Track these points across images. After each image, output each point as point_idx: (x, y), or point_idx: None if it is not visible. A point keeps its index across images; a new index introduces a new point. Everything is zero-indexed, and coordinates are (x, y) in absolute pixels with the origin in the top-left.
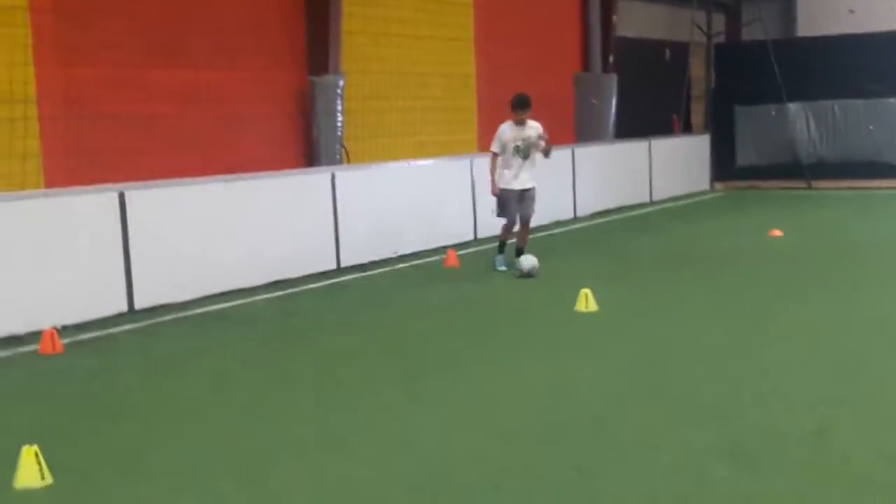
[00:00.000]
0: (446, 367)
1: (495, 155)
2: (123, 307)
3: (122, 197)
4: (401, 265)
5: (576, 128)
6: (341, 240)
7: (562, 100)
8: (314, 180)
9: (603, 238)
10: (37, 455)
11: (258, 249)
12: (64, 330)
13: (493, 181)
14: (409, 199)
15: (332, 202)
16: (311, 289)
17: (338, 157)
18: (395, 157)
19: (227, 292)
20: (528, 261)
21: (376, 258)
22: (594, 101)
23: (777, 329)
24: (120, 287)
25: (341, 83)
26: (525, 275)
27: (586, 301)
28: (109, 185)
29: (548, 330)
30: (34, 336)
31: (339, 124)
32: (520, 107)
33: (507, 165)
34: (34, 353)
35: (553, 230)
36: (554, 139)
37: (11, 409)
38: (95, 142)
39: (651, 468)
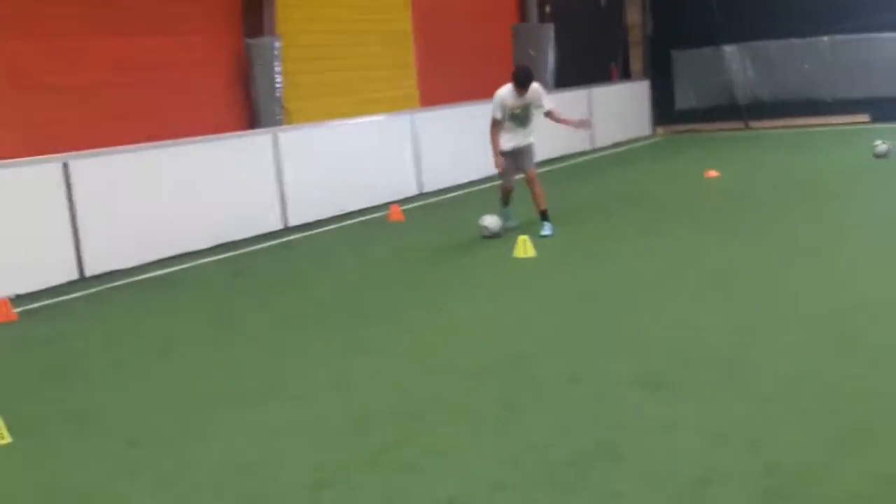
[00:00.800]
0: (385, 315)
1: (496, 122)
2: (74, 275)
3: (66, 167)
4: (347, 222)
5: None
6: (287, 200)
7: (500, 51)
8: (256, 142)
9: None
10: None
11: (204, 213)
12: (17, 299)
13: (496, 152)
14: (352, 157)
15: (276, 163)
16: (259, 249)
17: (278, 118)
18: (337, 116)
19: (175, 256)
20: (495, 220)
21: (322, 217)
22: (532, 51)
23: (699, 264)
24: (70, 255)
25: (277, 45)
26: (492, 235)
27: (524, 247)
28: (54, 156)
29: (485, 276)
30: None
31: (277, 86)
32: (522, 85)
33: (504, 130)
34: None
35: (492, 182)
36: (492, 90)
37: None
38: (39, 113)
39: (570, 397)
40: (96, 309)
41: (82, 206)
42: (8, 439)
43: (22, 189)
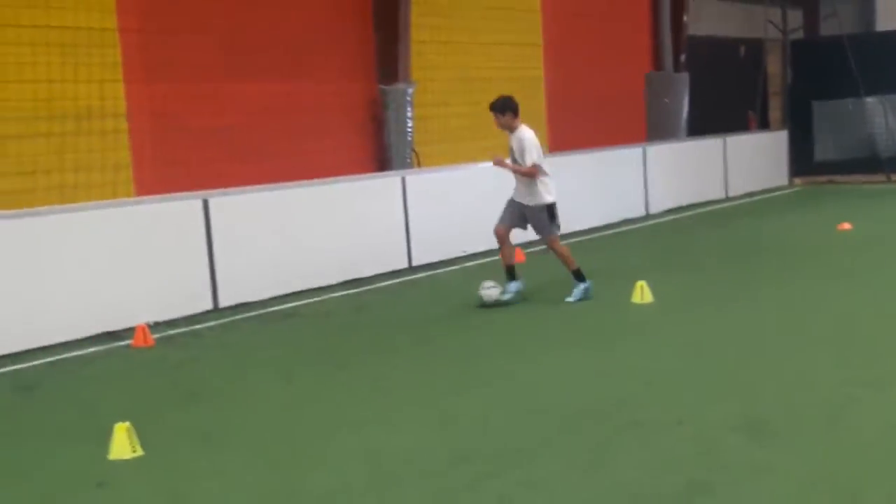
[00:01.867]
0: (495, 355)
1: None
2: (209, 305)
3: (205, 203)
4: (468, 263)
5: (648, 126)
6: (412, 240)
7: (633, 98)
8: (386, 184)
9: (671, 233)
10: (128, 431)
11: (333, 250)
12: (155, 326)
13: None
14: (477, 200)
15: (403, 204)
16: (383, 286)
17: (408, 161)
18: (464, 161)
19: (303, 291)
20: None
21: (446, 257)
22: (666, 99)
23: (821, 313)
24: (206, 287)
25: (410, 91)
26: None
27: (641, 293)
28: (194, 193)
29: (600, 320)
30: (129, 332)
31: (409, 130)
32: (495, 112)
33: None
34: (128, 346)
35: (622, 227)
36: (626, 138)
37: (107, 394)
38: (180, 152)
39: (669, 439)
40: (227, 337)
41: (219, 240)
42: (140, 452)
43: (163, 223)
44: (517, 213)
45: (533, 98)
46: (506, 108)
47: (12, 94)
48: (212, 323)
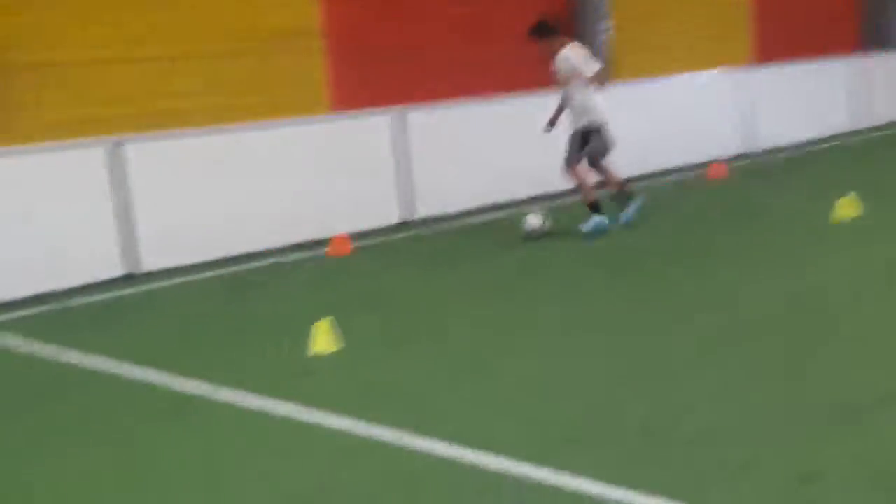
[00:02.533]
0: (696, 274)
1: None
2: (403, 217)
3: (402, 115)
4: (671, 177)
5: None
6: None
7: (843, 5)
8: None
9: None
10: (329, 327)
11: (527, 163)
12: (352, 236)
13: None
14: (681, 112)
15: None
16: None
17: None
18: (668, 72)
19: (500, 204)
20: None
21: (647, 171)
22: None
23: None
24: (398, 200)
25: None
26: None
27: (848, 207)
28: (389, 107)
29: (801, 238)
30: (325, 241)
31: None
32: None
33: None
34: (325, 255)
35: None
36: (831, 47)
37: (308, 296)
38: (375, 70)
39: None
40: (418, 248)
41: (417, 153)
42: (339, 346)
43: (364, 137)
44: (579, 143)
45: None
46: (544, 32)
47: (216, 17)
48: (404, 234)
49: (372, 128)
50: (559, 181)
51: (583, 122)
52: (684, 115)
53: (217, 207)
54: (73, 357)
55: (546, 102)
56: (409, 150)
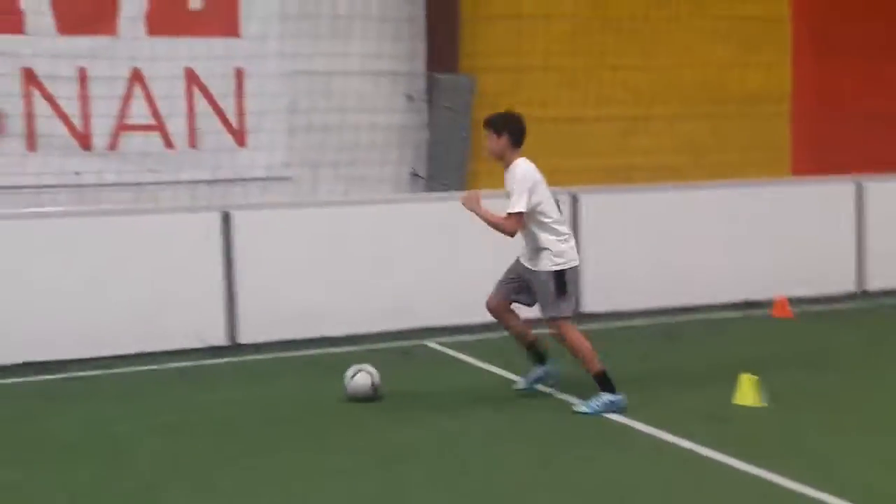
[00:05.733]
0: None
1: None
2: (853, 287)
3: (861, 184)
4: None
5: None
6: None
7: None
8: None
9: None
10: (754, 382)
11: None
12: (795, 300)
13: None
14: None
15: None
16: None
17: None
18: None
19: None
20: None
21: None
22: None
23: None
24: (851, 268)
25: None
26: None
27: None
28: (847, 176)
29: None
30: (767, 302)
31: None
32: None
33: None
34: (766, 315)
35: None
36: None
37: (739, 350)
38: (838, 134)
39: None
40: (867, 318)
41: (872, 224)
42: (763, 403)
43: (815, 203)
44: (518, 281)
45: None
46: (501, 127)
47: (682, 78)
48: (854, 304)
49: (832, 195)
50: None
51: (529, 262)
52: None
53: (660, 259)
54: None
55: None
56: (864, 221)
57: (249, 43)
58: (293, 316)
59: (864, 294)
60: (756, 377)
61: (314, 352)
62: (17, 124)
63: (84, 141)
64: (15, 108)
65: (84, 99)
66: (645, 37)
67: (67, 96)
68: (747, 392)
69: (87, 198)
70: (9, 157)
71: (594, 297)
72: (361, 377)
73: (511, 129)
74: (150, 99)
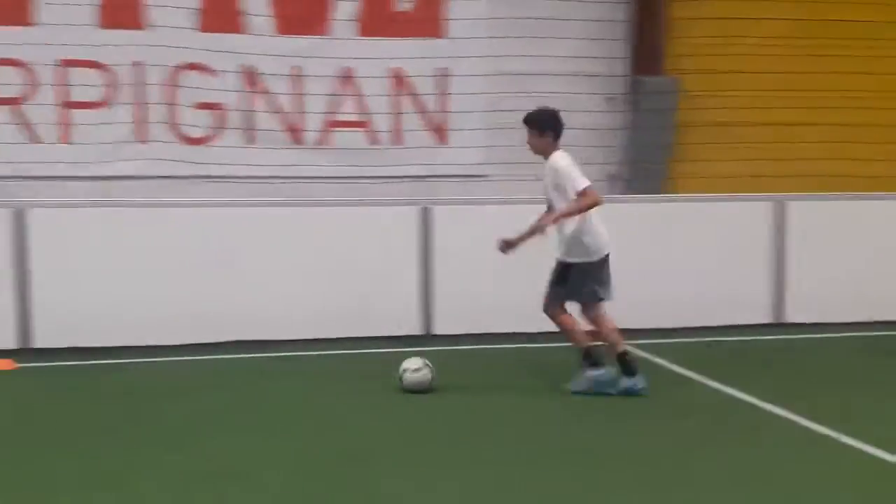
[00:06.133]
0: None
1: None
2: None
3: None
4: None
5: None
6: None
7: None
8: None
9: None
10: None
11: None
12: None
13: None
14: None
15: None
16: None
17: None
18: None
19: None
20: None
21: None
22: None
23: None
24: None
25: None
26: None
27: None
28: None
29: None
30: None
31: None
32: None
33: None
34: None
35: None
36: None
37: None
38: None
39: None
40: None
41: None
42: None
43: None
44: (561, 277)
45: None
46: (545, 126)
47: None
48: None
49: None
50: None
51: (561, 254)
52: None
53: (867, 271)
54: (716, 385)
55: None
56: None
57: (453, 44)
58: (486, 310)
59: None
60: None
61: (507, 346)
62: (236, 119)
63: (296, 136)
64: (236, 103)
65: (297, 96)
66: (866, 41)
67: (282, 93)
68: None
69: (298, 190)
70: (230, 149)
71: (795, 308)
72: (424, 374)
73: (554, 128)
74: (358, 97)
